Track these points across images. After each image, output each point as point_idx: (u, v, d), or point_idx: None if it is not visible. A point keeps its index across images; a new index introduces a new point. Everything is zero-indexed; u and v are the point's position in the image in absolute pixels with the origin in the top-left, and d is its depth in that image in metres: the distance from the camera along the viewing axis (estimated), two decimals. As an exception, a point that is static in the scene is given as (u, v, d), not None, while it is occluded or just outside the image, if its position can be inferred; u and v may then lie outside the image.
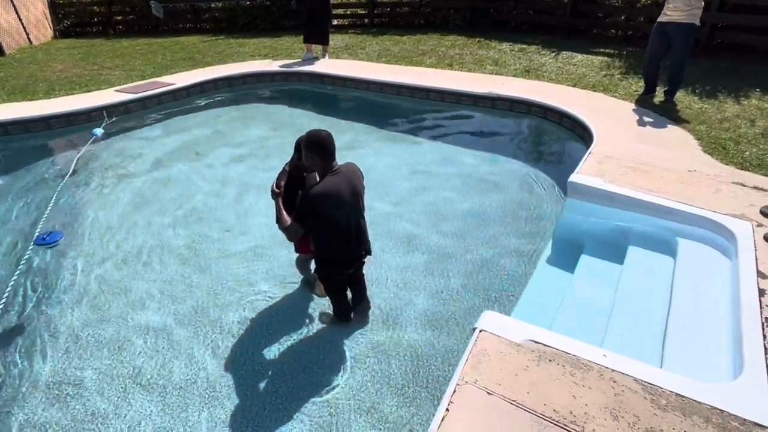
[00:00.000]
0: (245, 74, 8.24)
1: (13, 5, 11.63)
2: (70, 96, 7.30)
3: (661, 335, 2.54)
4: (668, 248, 3.23)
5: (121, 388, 2.78)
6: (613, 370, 2.09)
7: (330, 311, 3.20)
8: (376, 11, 12.39)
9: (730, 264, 2.94)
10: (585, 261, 3.36)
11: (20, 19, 11.86)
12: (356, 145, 5.88)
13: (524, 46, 9.20)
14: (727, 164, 4.23)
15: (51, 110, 6.53)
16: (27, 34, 12.09)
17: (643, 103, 5.91)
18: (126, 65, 9.27)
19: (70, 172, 5.36)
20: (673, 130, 5.06)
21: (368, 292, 3.21)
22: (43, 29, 12.90)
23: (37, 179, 5.34)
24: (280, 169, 2.95)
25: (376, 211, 4.37)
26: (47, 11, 13.31)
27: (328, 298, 3.14)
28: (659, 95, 6.05)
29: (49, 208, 4.62)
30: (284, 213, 2.66)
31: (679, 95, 5.99)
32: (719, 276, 2.88)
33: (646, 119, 5.38)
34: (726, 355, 2.36)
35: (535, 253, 3.79)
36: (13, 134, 6.29)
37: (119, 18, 13.94)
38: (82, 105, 6.71)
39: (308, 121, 6.82)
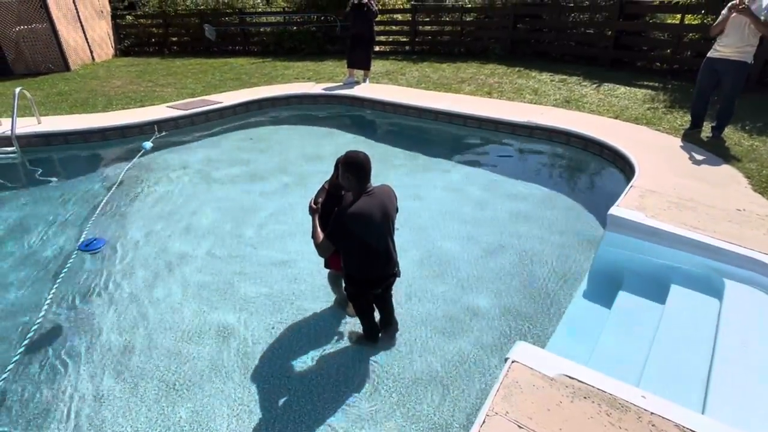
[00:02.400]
0: (289, 95, 8.56)
1: (82, 26, 12.59)
2: (125, 110, 7.77)
3: (704, 381, 2.41)
4: (714, 289, 3.09)
5: (154, 391, 2.86)
6: (652, 413, 1.99)
7: (358, 331, 3.21)
8: (417, 39, 12.69)
9: (783, 310, 2.78)
10: (624, 297, 3.25)
11: (86, 39, 12.80)
12: (391, 168, 5.95)
13: (565, 76, 9.17)
14: (779, 205, 4.04)
15: (107, 123, 6.96)
16: (91, 52, 13.02)
17: (689, 138, 5.75)
18: (178, 83, 9.80)
19: (118, 182, 5.65)
20: (720, 167, 4.88)
21: (397, 314, 3.21)
22: (105, 48, 13.86)
23: (88, 187, 5.65)
24: (320, 186, 3.02)
25: (407, 231, 4.38)
26: (111, 32, 14.33)
27: (358, 317, 3.16)
28: (706, 131, 5.87)
29: (95, 215, 4.88)
30: (319, 229, 2.72)
31: (728, 131, 5.80)
32: (770, 322, 2.72)
33: (692, 155, 5.22)
34: (777, 407, 2.21)
35: (571, 286, 3.69)
36: (72, 143, 6.73)
37: (175, 39, 14.84)
38: (136, 119, 7.12)
39: (347, 142, 6.98)
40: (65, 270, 3.98)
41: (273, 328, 3.34)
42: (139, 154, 6.39)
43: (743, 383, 2.35)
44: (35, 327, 3.35)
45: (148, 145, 6.60)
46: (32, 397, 2.85)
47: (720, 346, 2.57)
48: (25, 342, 3.21)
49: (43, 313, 3.47)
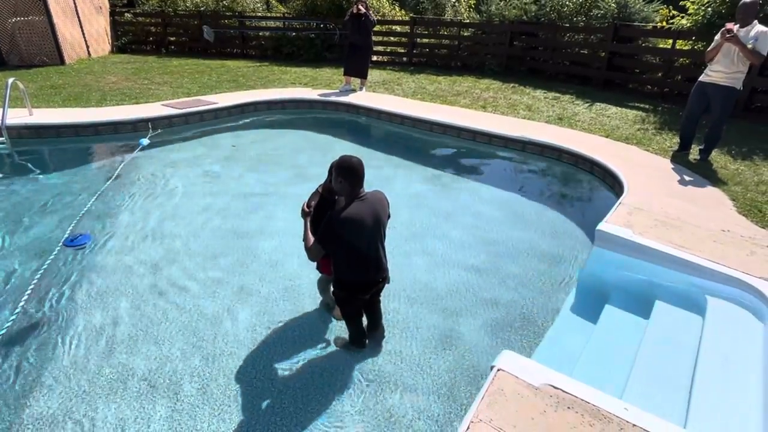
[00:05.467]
0: (284, 100, 8.58)
1: (79, 21, 12.53)
2: (119, 106, 7.72)
3: (686, 395, 2.44)
4: (697, 307, 3.13)
5: (135, 389, 2.81)
6: (634, 425, 2.01)
7: (345, 336, 3.20)
8: (415, 50, 12.83)
9: (764, 328, 2.83)
10: (610, 311, 3.28)
11: (83, 34, 12.74)
12: (382, 175, 5.98)
13: (558, 94, 9.33)
14: (763, 227, 4.12)
15: (100, 118, 6.91)
16: (87, 47, 12.95)
17: (677, 159, 5.87)
18: (174, 82, 9.77)
19: (113, 177, 5.59)
20: (707, 189, 4.99)
21: (383, 320, 3.21)
22: (102, 44, 13.80)
23: (80, 182, 5.58)
24: (313, 190, 3.03)
25: (395, 241, 4.39)
26: (108, 28, 14.28)
27: (344, 321, 3.15)
28: (694, 153, 6.00)
29: (84, 209, 4.80)
30: (310, 233, 2.72)
31: (715, 155, 5.94)
32: (750, 340, 2.77)
33: (680, 175, 5.33)
34: (755, 422, 2.24)
35: (558, 298, 3.72)
36: (64, 137, 6.66)
37: (173, 39, 14.83)
38: (130, 115, 7.08)
39: (340, 148, 6.99)
40: (46, 265, 3.90)
41: (257, 329, 3.31)
42: (137, 149, 6.35)
43: (724, 398, 2.39)
44: (9, 323, 3.25)
45: (145, 141, 6.57)
46: (1, 389, 2.79)
47: (702, 362, 2.61)
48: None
49: (19, 309, 3.39)
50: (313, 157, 6.57)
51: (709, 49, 5.48)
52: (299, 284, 3.79)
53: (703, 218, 4.15)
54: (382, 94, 9.17)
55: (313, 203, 2.92)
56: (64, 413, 2.64)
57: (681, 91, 8.94)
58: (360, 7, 8.36)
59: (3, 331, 3.15)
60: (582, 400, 2.13)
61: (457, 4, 15.32)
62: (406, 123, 7.72)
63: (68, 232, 4.41)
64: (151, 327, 3.31)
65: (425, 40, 13.12)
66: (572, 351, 2.99)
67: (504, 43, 11.49)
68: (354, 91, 9.13)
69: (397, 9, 14.51)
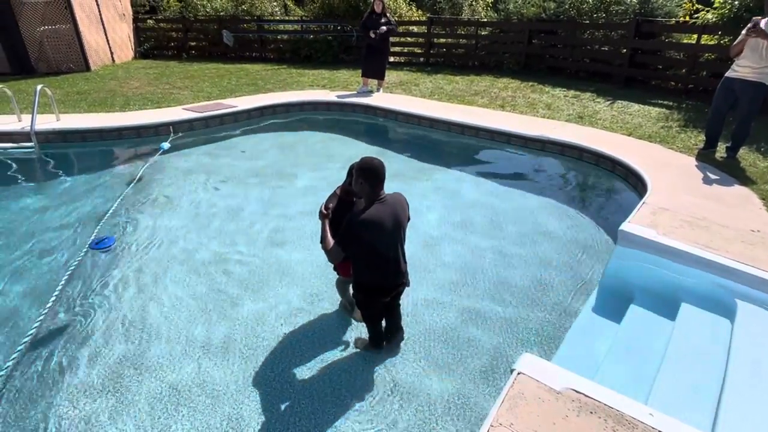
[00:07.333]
0: (303, 102, 8.65)
1: (104, 28, 12.87)
2: (142, 110, 7.90)
3: (714, 401, 2.36)
4: (726, 310, 3.04)
5: (157, 390, 2.86)
6: (660, 432, 1.96)
7: (364, 337, 3.20)
8: (432, 51, 12.77)
9: (797, 333, 2.72)
10: (634, 312, 3.21)
11: (107, 40, 13.07)
12: (401, 177, 5.96)
13: (578, 92, 9.17)
14: (795, 227, 3.97)
15: (123, 122, 7.08)
16: (111, 54, 13.28)
17: (703, 158, 5.70)
18: (195, 86, 9.94)
19: (136, 180, 5.72)
20: (734, 187, 4.83)
21: (403, 322, 3.20)
22: (125, 50, 14.14)
23: (102, 184, 5.73)
24: (331, 192, 3.04)
25: (415, 245, 4.38)
26: (131, 35, 14.63)
27: (364, 323, 3.15)
28: (720, 151, 5.82)
29: (108, 212, 4.92)
30: (329, 235, 2.73)
31: (743, 152, 5.75)
32: (783, 345, 2.67)
33: (706, 174, 5.18)
34: (789, 431, 2.16)
35: (580, 300, 3.65)
36: (89, 141, 6.84)
37: (193, 44, 15.08)
38: (152, 120, 7.23)
39: (358, 150, 7.01)
40: (72, 267, 4.00)
41: (276, 330, 3.34)
42: (158, 153, 6.49)
43: (754, 405, 2.30)
44: (37, 323, 3.33)
45: (166, 145, 6.71)
46: (29, 389, 2.87)
47: (731, 367, 2.53)
48: (26, 339, 3.19)
49: (47, 309, 3.47)
50: (330, 158, 6.59)
51: (734, 44, 5.32)
52: (318, 285, 3.80)
53: (730, 218, 4.02)
54: (399, 95, 9.15)
55: (331, 205, 2.92)
56: (87, 414, 2.71)
57: (706, 87, 8.68)
58: (377, 33, 8.33)
59: (31, 332, 3.24)
60: (605, 405, 2.08)
61: (474, 3, 15.18)
62: (424, 124, 7.70)
63: (94, 234, 4.52)
64: (171, 327, 3.37)
65: (442, 40, 13.05)
66: (595, 354, 2.93)
67: (522, 42, 11.34)
68: (372, 92, 9.14)
69: (414, 9, 14.47)
